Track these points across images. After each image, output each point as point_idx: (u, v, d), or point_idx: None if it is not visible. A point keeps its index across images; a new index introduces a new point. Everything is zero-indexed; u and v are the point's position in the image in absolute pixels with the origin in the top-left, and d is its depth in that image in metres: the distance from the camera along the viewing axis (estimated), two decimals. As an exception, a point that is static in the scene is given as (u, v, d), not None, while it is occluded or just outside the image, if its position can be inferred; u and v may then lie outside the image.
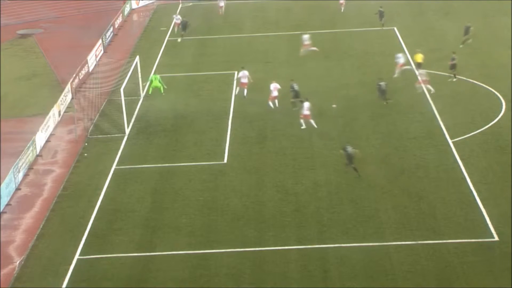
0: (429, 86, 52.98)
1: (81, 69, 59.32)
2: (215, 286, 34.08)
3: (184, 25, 69.06)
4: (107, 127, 50.79)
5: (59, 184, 43.91)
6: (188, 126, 50.35)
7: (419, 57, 56.81)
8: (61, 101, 53.55)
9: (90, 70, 61.59)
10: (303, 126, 48.56)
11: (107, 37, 68.71)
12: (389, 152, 45.37)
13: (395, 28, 67.92)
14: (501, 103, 51.00)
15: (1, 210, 40.96)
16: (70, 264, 35.99)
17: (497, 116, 49.19)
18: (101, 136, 49.63)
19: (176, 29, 70.02)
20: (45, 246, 37.84)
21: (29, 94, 58.15)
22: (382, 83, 51.83)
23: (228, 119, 50.97)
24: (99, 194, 42.28)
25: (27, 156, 45.61)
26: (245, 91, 53.97)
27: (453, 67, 55.21)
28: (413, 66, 56.75)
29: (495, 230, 36.87)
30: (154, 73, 57.70)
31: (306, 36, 62.58)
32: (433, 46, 62.36)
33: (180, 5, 79.77)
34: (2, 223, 40.19)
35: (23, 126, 51.69)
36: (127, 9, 78.24)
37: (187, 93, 56.22)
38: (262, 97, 52.60)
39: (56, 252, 37.17)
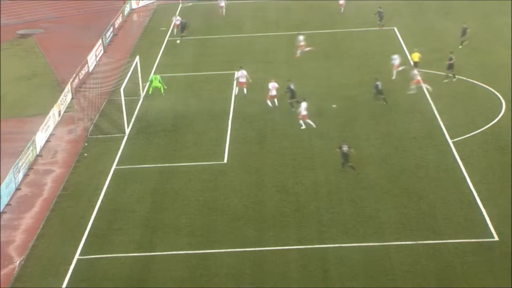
0: (426, 85, 52.88)
1: (81, 69, 59.30)
2: (215, 286, 34.07)
3: (183, 26, 69.02)
4: (107, 127, 50.78)
5: (59, 184, 43.90)
6: (188, 126, 50.34)
7: (416, 56, 56.76)
8: (61, 101, 53.54)
9: (90, 70, 61.57)
10: (303, 127, 48.54)
11: (107, 37, 68.68)
12: (389, 152, 45.35)
13: (395, 28, 67.89)
14: (501, 103, 50.99)
15: (1, 210, 40.95)
16: (70, 264, 35.98)
17: (497, 116, 49.18)
18: (101, 136, 49.62)
19: (175, 30, 69.97)
20: (45, 246, 37.83)
21: (29, 94, 58.13)
22: (379, 83, 51.82)
23: (228, 119, 50.96)
24: (99, 194, 42.27)
25: (27, 156, 45.59)
26: (245, 90, 53.98)
27: (450, 67, 55.11)
28: (412, 65, 56.70)
29: (495, 230, 36.86)
30: (154, 73, 57.70)
31: (301, 37, 62.43)
32: (433, 46, 62.32)
33: (180, 5, 79.68)
34: (2, 223, 40.18)
35: (23, 126, 51.67)
36: (127, 9, 78.20)
37: (187, 93, 56.21)
38: (262, 97, 52.57)
39: (56, 252, 37.15)
